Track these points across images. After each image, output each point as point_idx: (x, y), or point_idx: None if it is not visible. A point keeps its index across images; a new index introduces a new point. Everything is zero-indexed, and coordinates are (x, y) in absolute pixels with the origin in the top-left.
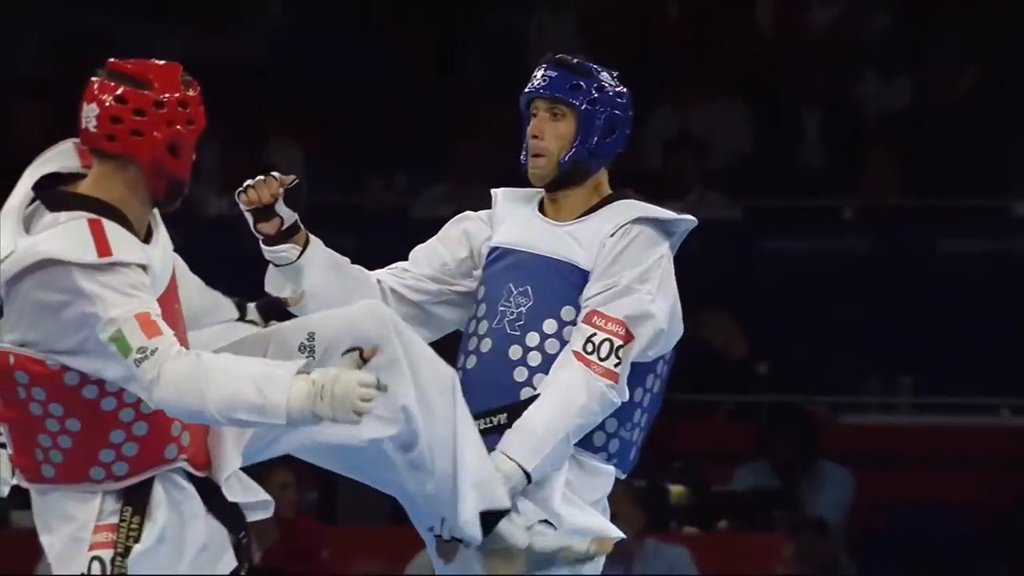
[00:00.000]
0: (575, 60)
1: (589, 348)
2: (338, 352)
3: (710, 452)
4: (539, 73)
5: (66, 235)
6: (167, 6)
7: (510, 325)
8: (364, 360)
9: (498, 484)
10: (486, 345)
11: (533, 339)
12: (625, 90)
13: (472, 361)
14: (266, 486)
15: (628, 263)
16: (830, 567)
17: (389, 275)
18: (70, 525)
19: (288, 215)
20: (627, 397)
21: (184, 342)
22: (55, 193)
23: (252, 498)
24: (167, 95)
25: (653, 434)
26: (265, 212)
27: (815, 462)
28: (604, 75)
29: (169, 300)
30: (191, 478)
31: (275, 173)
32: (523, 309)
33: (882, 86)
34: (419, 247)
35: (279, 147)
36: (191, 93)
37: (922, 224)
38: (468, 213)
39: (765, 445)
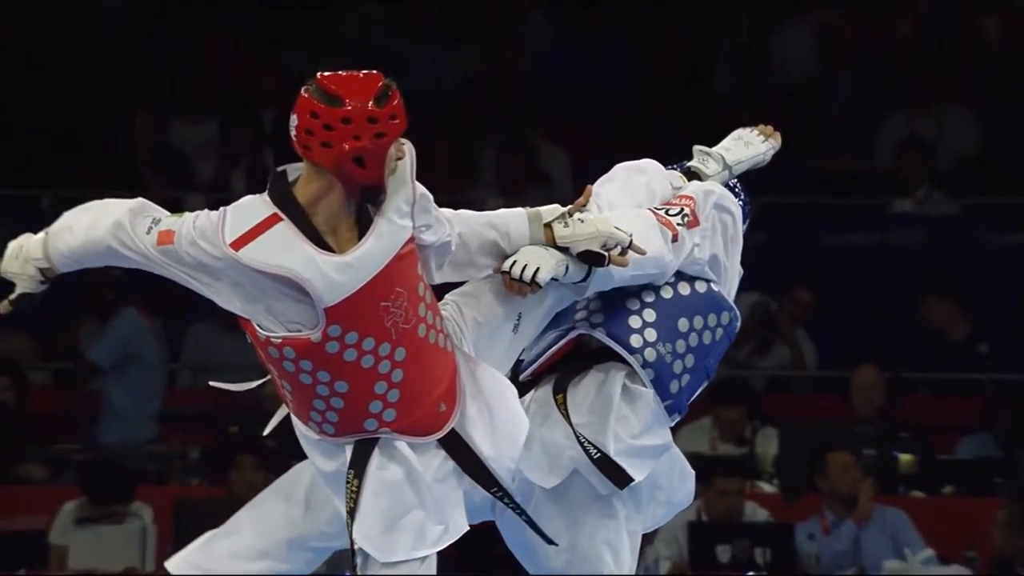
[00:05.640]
0: None
1: (660, 207)
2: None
3: (936, 424)
4: None
5: (249, 206)
6: (451, 28)
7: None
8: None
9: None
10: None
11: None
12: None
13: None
14: None
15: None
16: None
17: None
18: (335, 462)
19: None
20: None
21: (383, 333)
22: (277, 179)
23: (506, 453)
24: (356, 112)
25: (883, 409)
26: None
27: None
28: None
29: (366, 301)
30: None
31: None
32: None
33: None
34: None
35: (549, 154)
36: (386, 107)
37: None
38: None
39: (989, 418)
